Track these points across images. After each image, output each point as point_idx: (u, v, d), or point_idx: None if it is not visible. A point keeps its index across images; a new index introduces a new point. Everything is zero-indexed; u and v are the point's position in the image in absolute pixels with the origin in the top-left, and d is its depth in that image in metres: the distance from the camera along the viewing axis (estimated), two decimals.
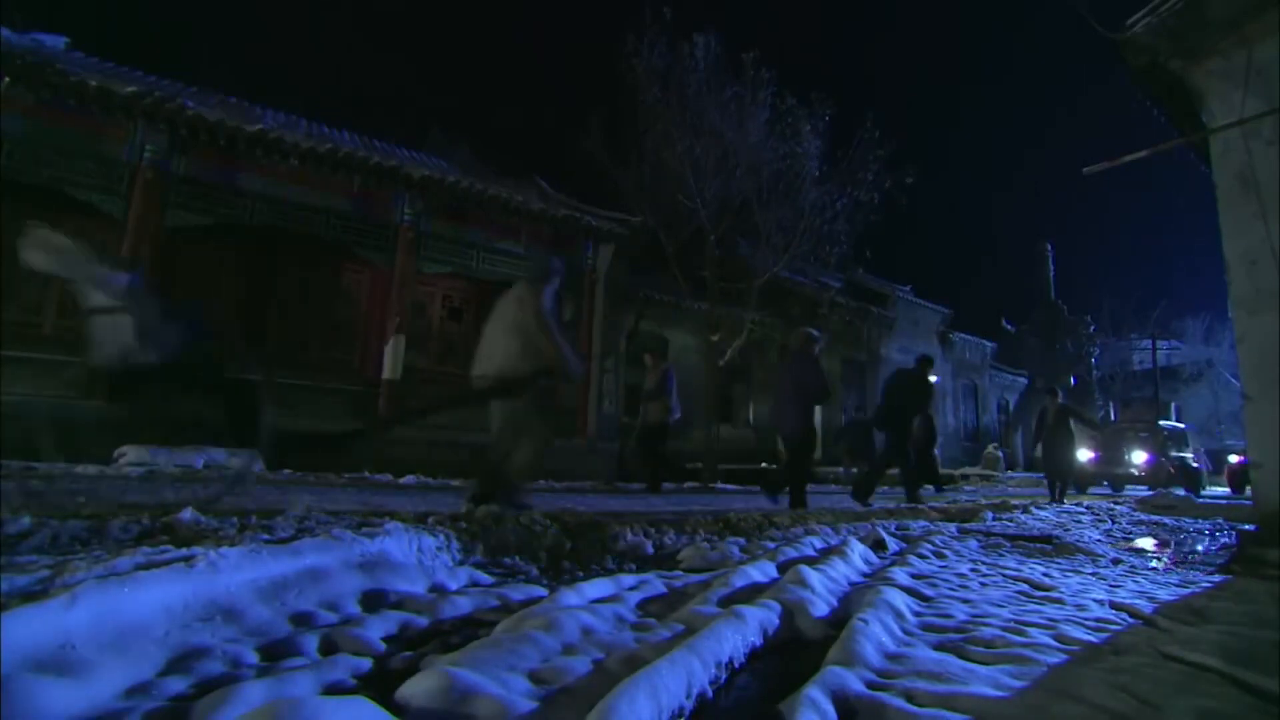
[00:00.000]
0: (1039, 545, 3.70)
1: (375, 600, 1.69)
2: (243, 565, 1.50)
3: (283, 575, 1.58)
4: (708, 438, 10.73)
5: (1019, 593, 2.20)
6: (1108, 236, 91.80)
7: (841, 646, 1.36)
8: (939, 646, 1.49)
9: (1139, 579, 2.65)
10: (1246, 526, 3.94)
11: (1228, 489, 15.31)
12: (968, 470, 15.77)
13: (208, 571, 1.40)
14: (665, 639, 1.39)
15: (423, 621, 1.54)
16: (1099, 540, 4.22)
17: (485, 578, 2.08)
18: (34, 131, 7.21)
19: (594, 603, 1.68)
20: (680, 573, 2.28)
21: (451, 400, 6.37)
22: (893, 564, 2.59)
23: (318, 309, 10.02)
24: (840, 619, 1.67)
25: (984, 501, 6.68)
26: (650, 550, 2.87)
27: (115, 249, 7.14)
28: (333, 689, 1.11)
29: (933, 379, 7.11)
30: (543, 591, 1.87)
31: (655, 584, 1.97)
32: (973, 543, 3.62)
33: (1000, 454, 17.55)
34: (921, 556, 2.86)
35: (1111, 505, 7.61)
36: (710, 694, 1.17)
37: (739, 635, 1.37)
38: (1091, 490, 11.70)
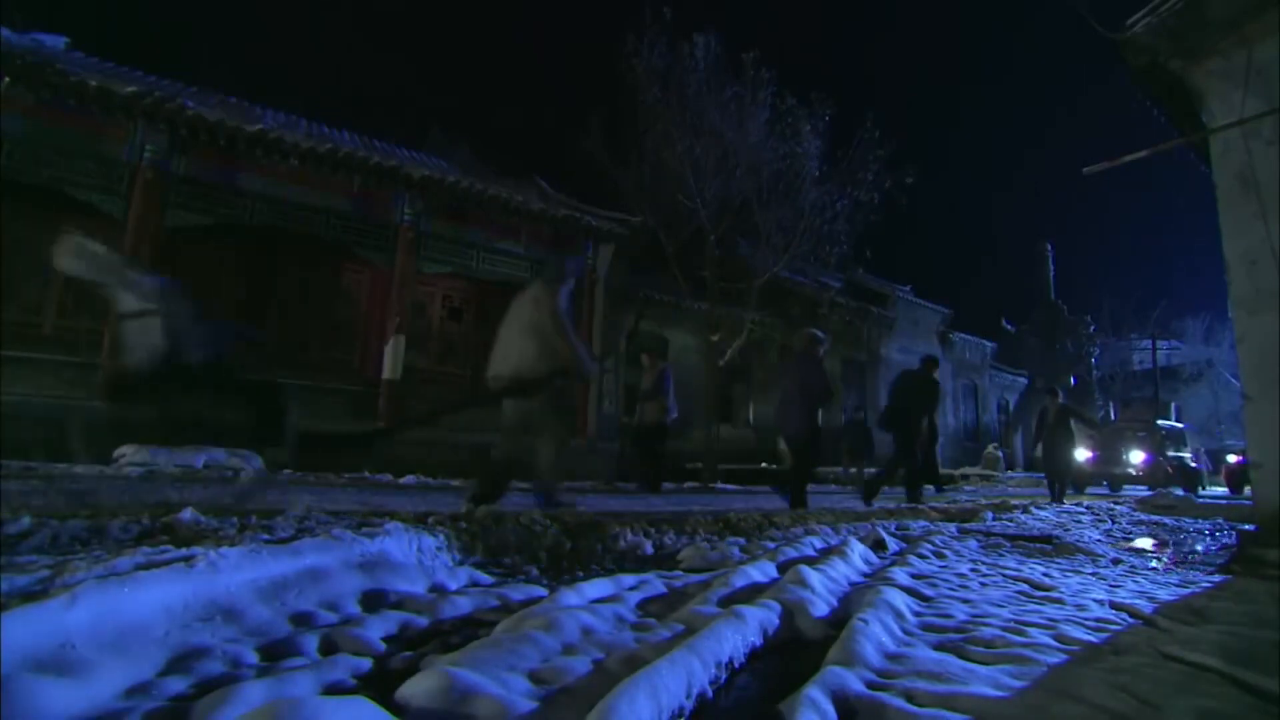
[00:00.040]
0: (1039, 545, 3.70)
1: (375, 600, 1.69)
2: (243, 565, 1.50)
3: (283, 575, 1.58)
4: (708, 438, 10.74)
5: (1019, 593, 2.20)
6: (1108, 236, 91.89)
7: (841, 646, 1.36)
8: (939, 646, 1.49)
9: (1139, 579, 2.65)
10: (1246, 526, 3.94)
11: (1226, 489, 15.33)
12: (968, 470, 15.78)
13: (208, 571, 1.40)
14: (665, 639, 1.39)
15: (423, 621, 1.54)
16: (1099, 540, 4.22)
17: (485, 578, 2.08)
18: (34, 131, 7.21)
19: (594, 603, 1.68)
20: (680, 573, 2.28)
21: (468, 401, 6.40)
22: (893, 564, 2.59)
23: (318, 309, 10.03)
24: (840, 619, 1.67)
25: (984, 501, 6.68)
26: (650, 550, 2.87)
27: (119, 250, 7.16)
28: (333, 689, 1.11)
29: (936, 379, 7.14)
30: (543, 591, 1.87)
31: (655, 584, 1.97)
32: (973, 543, 3.62)
33: (1000, 454, 17.55)
34: (921, 556, 2.86)
35: (1111, 505, 7.61)
36: (710, 694, 1.17)
37: (739, 635, 1.37)
38: (1089, 490, 11.69)
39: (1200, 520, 6.31)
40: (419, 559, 2.05)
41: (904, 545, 3.28)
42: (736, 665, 1.32)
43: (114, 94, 7.37)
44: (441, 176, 9.63)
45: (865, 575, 2.38)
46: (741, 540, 3.12)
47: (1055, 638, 1.57)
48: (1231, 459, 15.78)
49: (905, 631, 1.61)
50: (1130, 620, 1.83)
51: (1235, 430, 23.50)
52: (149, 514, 2.36)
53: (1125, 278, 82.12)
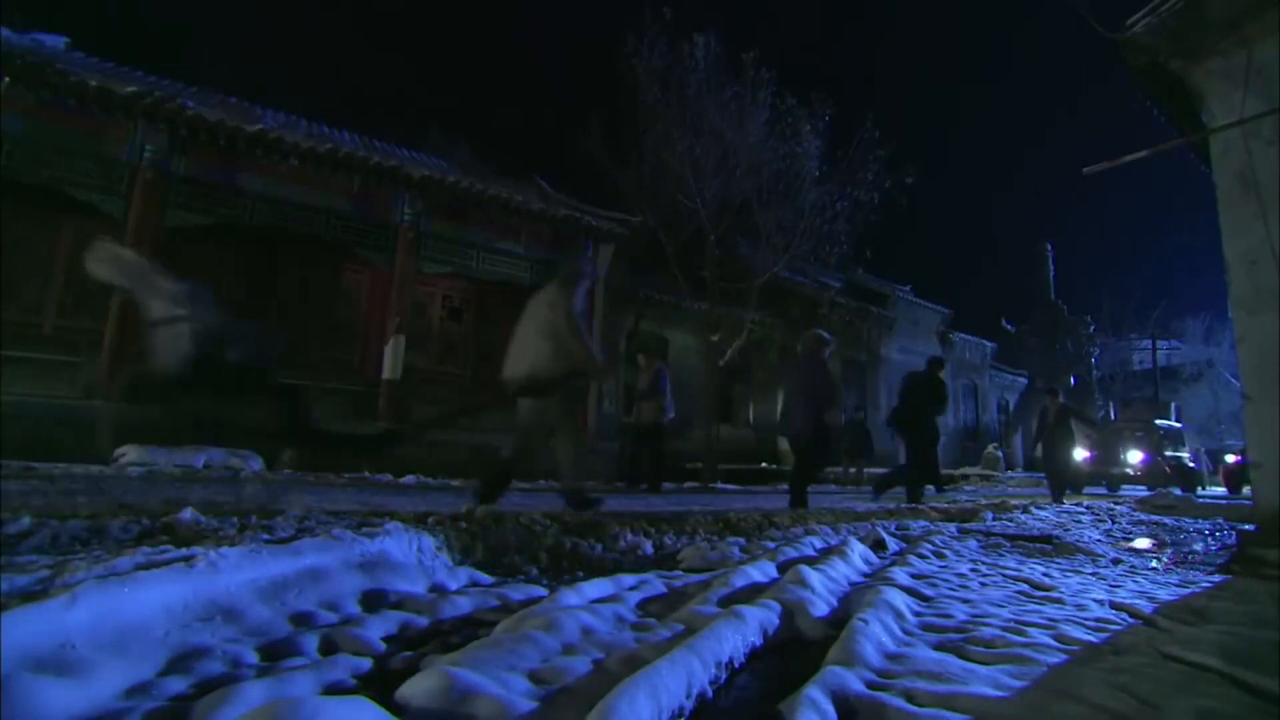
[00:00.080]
0: (1039, 545, 3.70)
1: (375, 600, 1.69)
2: (243, 565, 1.50)
3: (283, 575, 1.58)
4: (708, 438, 10.74)
5: (1019, 593, 2.20)
6: (1108, 236, 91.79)
7: (841, 646, 1.36)
8: (939, 646, 1.49)
9: (1139, 579, 2.65)
10: (1246, 526, 3.94)
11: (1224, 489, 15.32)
12: (968, 470, 15.78)
13: (208, 571, 1.40)
14: (665, 639, 1.39)
15: (423, 621, 1.54)
16: (1099, 540, 4.22)
17: (485, 578, 2.08)
18: (34, 131, 7.21)
19: (594, 603, 1.68)
20: (680, 573, 2.28)
21: (484, 402, 6.40)
22: (893, 564, 2.59)
23: (318, 309, 10.02)
24: (840, 619, 1.67)
25: (984, 501, 6.69)
26: (650, 550, 2.87)
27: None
28: (333, 689, 1.10)
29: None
30: (543, 591, 1.87)
31: (655, 584, 1.97)
32: (973, 543, 3.63)
33: (1000, 454, 17.56)
34: (921, 556, 2.86)
35: (1111, 505, 7.61)
36: (710, 694, 1.17)
37: (739, 635, 1.37)
38: (1087, 490, 11.69)
39: (1200, 520, 6.30)
40: (419, 559, 2.05)
41: (904, 545, 3.28)
42: (736, 665, 1.32)
43: (114, 94, 7.36)
44: (441, 176, 9.63)
45: (865, 575, 2.38)
46: (741, 540, 3.12)
47: (1055, 638, 1.57)
48: (1230, 459, 15.77)
49: (905, 631, 1.61)
50: (1130, 620, 1.83)
51: (1235, 430, 23.50)
52: (148, 514, 2.36)
53: (1125, 278, 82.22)
